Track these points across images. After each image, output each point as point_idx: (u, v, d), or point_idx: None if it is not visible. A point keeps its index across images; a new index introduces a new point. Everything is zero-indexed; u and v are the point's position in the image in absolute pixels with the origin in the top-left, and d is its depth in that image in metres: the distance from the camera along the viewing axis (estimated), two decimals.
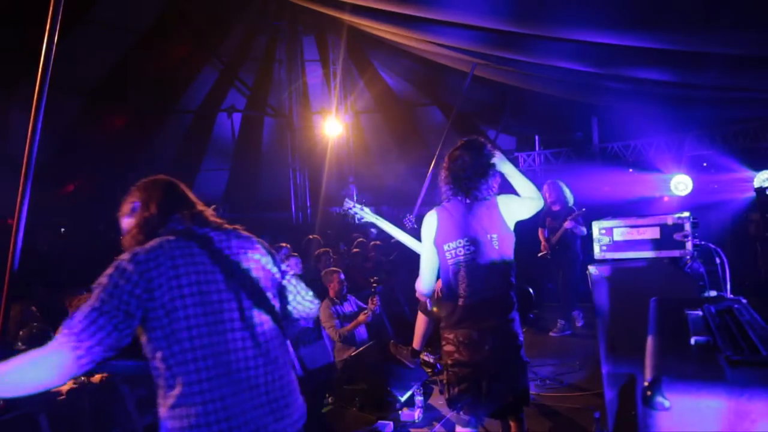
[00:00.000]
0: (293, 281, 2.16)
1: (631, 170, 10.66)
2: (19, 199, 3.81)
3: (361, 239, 8.76)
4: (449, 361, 3.20)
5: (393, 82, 13.20)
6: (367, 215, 4.21)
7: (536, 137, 12.19)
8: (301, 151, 12.37)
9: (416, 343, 5.03)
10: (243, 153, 13.20)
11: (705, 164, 9.99)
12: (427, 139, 13.88)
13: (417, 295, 3.53)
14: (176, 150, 12.31)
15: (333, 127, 11.17)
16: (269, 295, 2.00)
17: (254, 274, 1.98)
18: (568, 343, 6.90)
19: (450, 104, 12.27)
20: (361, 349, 5.45)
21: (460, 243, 3.09)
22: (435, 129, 13.40)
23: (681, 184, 9.68)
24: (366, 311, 5.74)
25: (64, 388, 4.06)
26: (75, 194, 11.26)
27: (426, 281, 3.23)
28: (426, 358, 5.99)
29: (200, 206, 2.11)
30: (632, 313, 3.14)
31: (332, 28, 11.49)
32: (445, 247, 3.11)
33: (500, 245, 3.10)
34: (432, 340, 6.20)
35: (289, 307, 2.13)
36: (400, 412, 4.93)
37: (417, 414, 4.87)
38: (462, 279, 3.10)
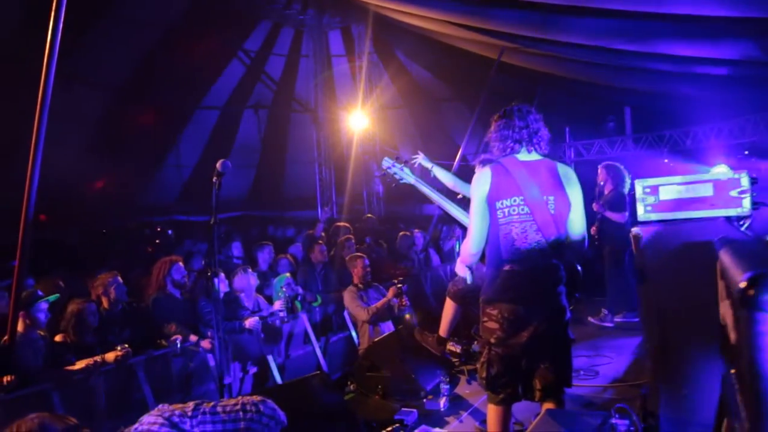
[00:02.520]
0: None
1: (666, 161, 10.24)
2: (27, 190, 3.83)
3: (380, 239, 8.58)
4: (492, 340, 2.98)
5: (418, 76, 13.02)
6: (408, 176, 3.85)
7: (566, 129, 11.85)
8: (327, 147, 12.26)
9: (443, 330, 4.81)
10: (269, 150, 13.15)
11: (746, 152, 9.53)
12: (453, 135, 13.66)
13: (460, 262, 3.28)
14: (203, 147, 12.32)
15: (359, 121, 11.02)
16: None
17: None
18: (605, 334, 6.57)
19: (476, 98, 12.03)
20: (384, 335, 5.26)
21: (514, 201, 2.88)
22: (460, 124, 13.17)
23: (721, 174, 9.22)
24: (396, 287, 5.49)
25: (79, 366, 3.96)
26: (104, 190, 11.35)
27: (476, 240, 2.95)
28: (453, 348, 5.76)
29: None
30: (682, 277, 2.90)
31: (358, 20, 11.38)
32: (498, 205, 2.90)
33: (556, 209, 2.89)
34: (458, 330, 5.99)
35: None
36: (424, 400, 4.71)
37: (443, 402, 4.64)
38: (512, 242, 2.89)
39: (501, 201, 2.91)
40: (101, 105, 10.36)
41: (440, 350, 4.80)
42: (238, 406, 1.98)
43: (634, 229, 3.20)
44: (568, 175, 2.97)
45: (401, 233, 8.21)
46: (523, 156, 2.99)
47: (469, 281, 3.50)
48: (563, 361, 2.98)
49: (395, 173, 3.86)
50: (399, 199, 12.57)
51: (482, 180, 2.97)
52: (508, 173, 2.94)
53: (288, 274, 5.80)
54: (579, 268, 7.76)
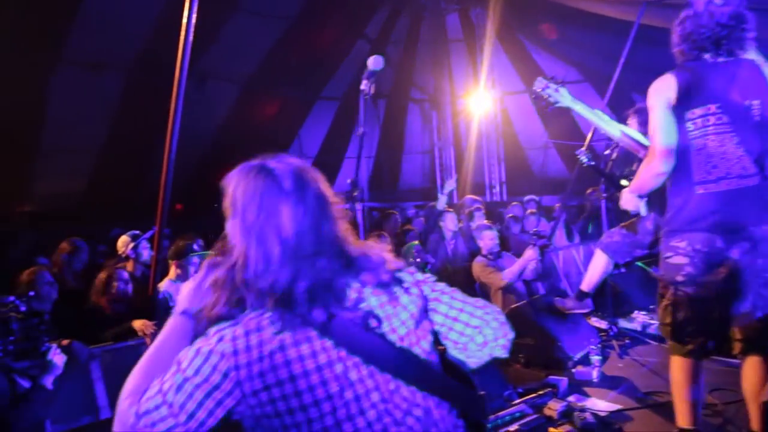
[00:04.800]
0: None
1: None
2: (163, 180, 4.00)
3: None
4: (678, 278, 2.52)
5: (542, 59, 12.40)
6: (564, 98, 3.39)
7: None
8: (446, 134, 12.00)
9: (585, 284, 4.35)
10: (387, 139, 13.12)
11: None
12: (579, 122, 12.87)
13: (631, 192, 2.85)
14: (323, 137, 12.53)
15: (479, 107, 10.65)
16: None
17: None
18: None
19: (607, 76, 11.21)
20: (522, 302, 4.86)
21: (709, 109, 2.44)
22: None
23: None
24: (532, 246, 5.06)
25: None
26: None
27: (664, 157, 2.49)
28: (596, 324, 5.26)
29: None
30: None
31: (476, 2, 11.04)
32: (688, 115, 2.46)
33: (763, 115, 2.40)
34: (604, 306, 5.44)
35: None
36: (573, 370, 4.25)
37: (595, 373, 4.16)
38: (706, 159, 2.43)
39: (691, 110, 2.46)
40: (230, 99, 10.81)
41: (581, 305, 4.35)
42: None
43: None
44: None
45: (529, 212, 7.76)
46: (715, 57, 2.52)
47: (643, 213, 3.04)
48: None
49: (549, 95, 3.44)
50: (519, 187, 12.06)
51: (665, 87, 2.53)
52: (699, 77, 2.48)
53: (416, 242, 5.57)
54: None
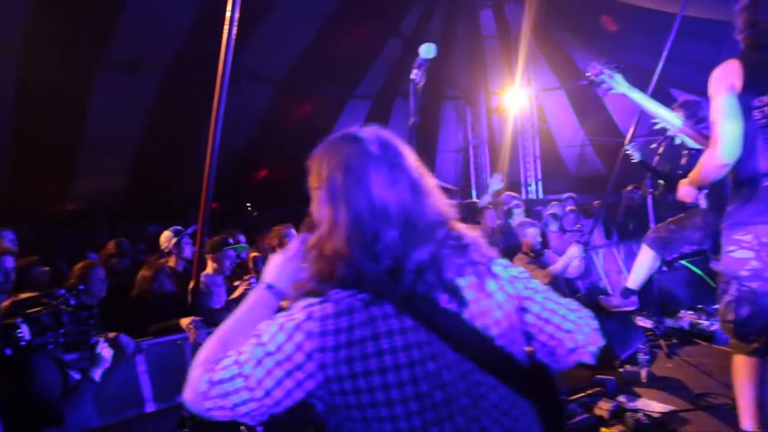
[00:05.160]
0: None
1: None
2: (205, 178, 4.06)
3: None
4: (743, 272, 2.42)
5: (577, 54, 12.18)
6: (620, 85, 3.28)
7: None
8: (480, 132, 11.87)
9: (631, 281, 4.22)
10: (420, 137, 13.03)
11: None
12: (617, 119, 12.61)
13: (689, 185, 2.74)
14: None
15: (515, 102, 10.50)
16: None
17: None
18: None
19: (646, 71, 10.94)
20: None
21: None
22: (626, 105, 12.10)
23: None
24: (576, 243, 4.93)
25: None
26: (266, 180, 11.93)
27: (729, 147, 2.39)
28: (642, 323, 5.12)
29: None
30: None
31: None
32: (755, 102, 2.36)
33: None
34: (650, 305, 5.29)
35: None
36: (621, 370, 4.13)
37: (643, 373, 4.03)
38: None
39: (759, 98, 2.34)
40: (265, 98, 10.88)
41: (627, 303, 4.23)
42: None
43: None
44: None
45: (568, 209, 7.60)
46: None
47: (704, 206, 2.92)
48: None
49: (603, 81, 3.32)
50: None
51: (730, 73, 2.41)
52: (766, 62, 2.37)
53: None
54: None
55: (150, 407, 3.57)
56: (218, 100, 3.94)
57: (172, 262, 4.48)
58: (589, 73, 3.35)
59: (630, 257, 7.22)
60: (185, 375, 3.37)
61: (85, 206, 10.05)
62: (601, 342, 1.36)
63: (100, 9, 8.17)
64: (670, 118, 3.16)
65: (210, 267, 4.32)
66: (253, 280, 4.02)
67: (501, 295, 1.25)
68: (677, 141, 4.06)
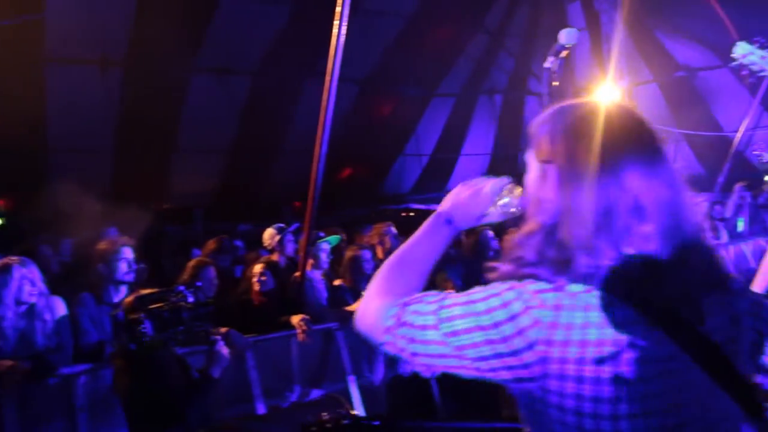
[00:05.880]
0: None
1: None
2: (312, 180, 4.12)
3: None
4: None
5: (673, 45, 11.54)
6: None
7: None
8: None
9: (758, 284, 3.86)
10: (504, 135, 12.78)
11: None
12: (718, 114, 11.87)
13: None
14: (439, 134, 12.42)
15: (607, 96, 10.02)
16: None
17: None
18: None
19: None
20: None
21: None
22: (728, 99, 11.36)
23: None
24: None
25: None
26: (350, 179, 12.02)
27: None
28: None
29: None
30: None
31: None
32: None
33: None
34: None
35: None
36: None
37: None
38: None
39: None
40: (348, 98, 10.97)
41: None
42: None
43: None
44: None
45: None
46: None
47: None
48: None
49: (753, 63, 2.95)
50: None
51: None
52: None
53: None
54: None
55: (259, 403, 3.62)
56: (327, 99, 3.98)
57: (274, 259, 4.55)
58: (735, 55, 2.99)
59: (740, 259, 6.73)
60: (292, 372, 3.37)
61: (181, 205, 10.52)
62: None
63: (194, 17, 8.54)
64: None
65: (308, 263, 4.36)
66: None
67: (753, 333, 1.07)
68: None
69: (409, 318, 1.06)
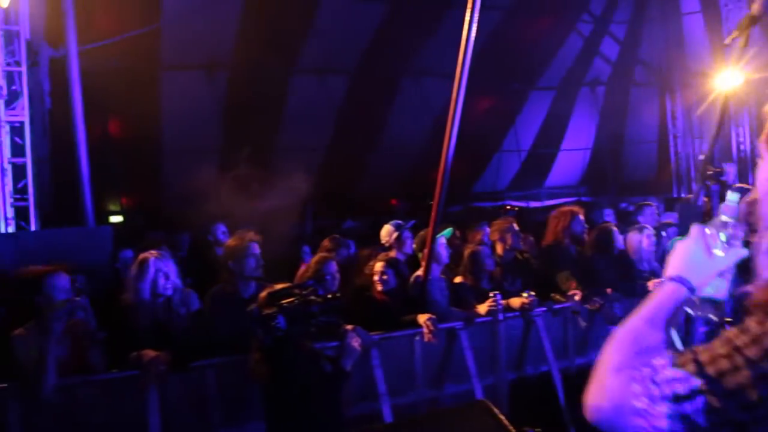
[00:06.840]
0: None
1: None
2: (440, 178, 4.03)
3: None
4: None
5: None
6: None
7: None
8: (680, 118, 10.71)
9: None
10: (606, 129, 12.16)
11: None
12: None
13: None
14: (537, 129, 12.01)
15: (730, 81, 9.23)
16: None
17: None
18: None
19: None
20: None
21: None
22: None
23: None
24: None
25: (482, 309, 3.76)
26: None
27: None
28: None
29: None
30: None
31: None
32: None
33: None
34: None
35: None
36: None
37: None
38: None
39: None
40: (445, 94, 10.81)
41: None
42: None
43: None
44: None
45: None
46: None
47: None
48: None
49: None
50: None
51: None
52: None
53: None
54: None
55: (384, 402, 3.55)
56: (454, 108, 3.89)
57: (393, 256, 4.49)
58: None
59: None
60: (415, 371, 3.25)
61: (278, 204, 10.76)
62: None
63: (297, 19, 8.72)
64: None
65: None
66: (498, 297, 3.84)
67: None
68: None
69: (635, 400, 0.92)
